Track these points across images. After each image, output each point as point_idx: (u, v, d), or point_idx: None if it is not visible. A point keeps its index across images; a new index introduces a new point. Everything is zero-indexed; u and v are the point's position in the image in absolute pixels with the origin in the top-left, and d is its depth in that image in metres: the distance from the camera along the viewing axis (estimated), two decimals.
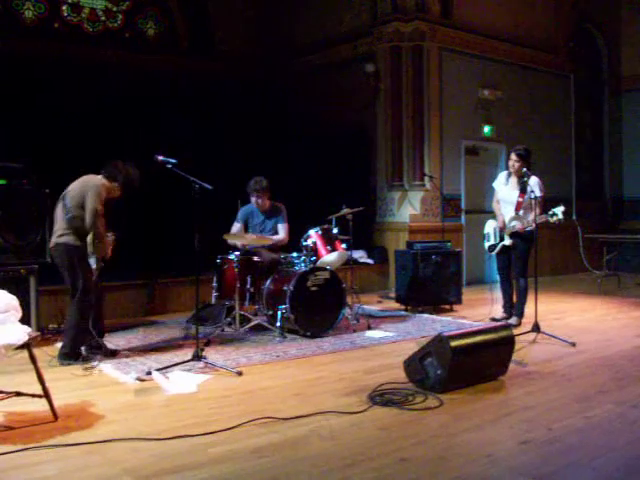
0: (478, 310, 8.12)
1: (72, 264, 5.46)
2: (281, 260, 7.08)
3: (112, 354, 5.74)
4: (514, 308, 7.23)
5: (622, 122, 14.43)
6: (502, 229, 7.16)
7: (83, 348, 5.56)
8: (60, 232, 5.51)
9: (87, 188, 5.51)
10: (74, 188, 5.58)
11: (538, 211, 6.62)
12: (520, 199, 6.99)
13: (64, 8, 11.49)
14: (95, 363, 5.44)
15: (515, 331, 5.26)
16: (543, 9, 12.49)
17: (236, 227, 7.35)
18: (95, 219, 5.40)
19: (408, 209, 10.49)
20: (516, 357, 5.20)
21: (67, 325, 5.60)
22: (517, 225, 6.97)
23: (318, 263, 6.87)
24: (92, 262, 5.44)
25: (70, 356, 5.48)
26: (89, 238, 5.42)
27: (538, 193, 6.63)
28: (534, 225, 6.60)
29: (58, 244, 5.52)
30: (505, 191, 7.21)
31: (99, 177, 5.67)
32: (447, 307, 8.41)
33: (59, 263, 5.57)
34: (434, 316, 7.94)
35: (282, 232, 7.30)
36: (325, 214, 7.45)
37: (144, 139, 8.25)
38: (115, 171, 5.69)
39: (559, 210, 6.37)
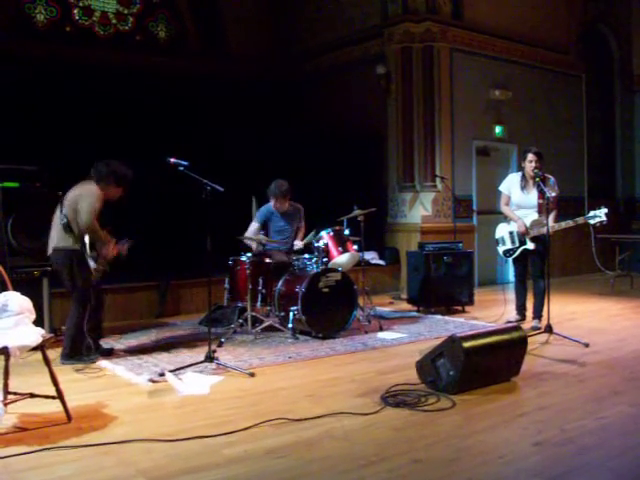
0: (490, 311, 8.10)
1: (71, 267, 5.52)
2: (292, 262, 7.10)
3: (107, 354, 5.82)
4: (534, 310, 7.02)
5: (634, 121, 14.34)
6: (524, 233, 6.88)
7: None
8: (57, 238, 5.57)
9: (81, 192, 5.57)
10: (69, 195, 5.64)
11: (555, 213, 6.65)
12: (540, 201, 6.78)
13: (75, 11, 11.56)
14: (98, 362, 5.51)
15: (527, 332, 5.24)
16: (554, 9, 12.43)
17: (254, 227, 7.29)
18: (91, 220, 5.43)
19: (419, 210, 10.48)
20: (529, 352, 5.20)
21: (67, 326, 5.65)
22: (544, 230, 6.58)
23: (330, 264, 6.87)
24: (92, 263, 5.47)
25: (71, 356, 5.55)
26: (87, 239, 5.45)
27: (553, 193, 6.57)
28: (555, 227, 6.67)
29: (57, 249, 5.57)
30: (522, 195, 6.96)
31: (93, 183, 5.67)
32: (459, 308, 8.40)
33: (59, 267, 5.62)
34: (446, 317, 7.93)
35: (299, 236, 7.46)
36: (336, 215, 7.45)
37: (156, 141, 8.27)
38: (102, 173, 5.67)
39: (602, 212, 6.33)
